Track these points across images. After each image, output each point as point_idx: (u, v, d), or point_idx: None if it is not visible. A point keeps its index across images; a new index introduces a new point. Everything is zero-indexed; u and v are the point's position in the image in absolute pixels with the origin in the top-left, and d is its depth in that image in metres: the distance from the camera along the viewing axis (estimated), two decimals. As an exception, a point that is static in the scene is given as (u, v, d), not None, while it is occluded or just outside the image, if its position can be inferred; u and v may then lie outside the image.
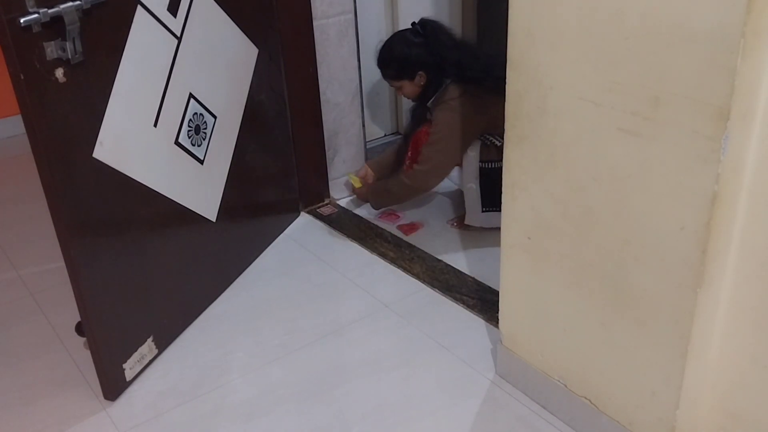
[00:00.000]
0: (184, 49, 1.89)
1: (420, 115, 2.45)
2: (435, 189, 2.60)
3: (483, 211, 2.38)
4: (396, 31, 2.55)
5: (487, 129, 2.31)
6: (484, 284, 2.22)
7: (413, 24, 2.40)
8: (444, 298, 2.17)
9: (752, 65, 1.11)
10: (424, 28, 2.37)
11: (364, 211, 2.69)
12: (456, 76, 2.33)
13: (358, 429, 1.72)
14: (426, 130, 2.38)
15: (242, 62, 2.20)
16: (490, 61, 2.28)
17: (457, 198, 2.46)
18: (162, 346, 1.99)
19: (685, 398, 1.39)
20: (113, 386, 1.83)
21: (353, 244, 2.49)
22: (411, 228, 2.57)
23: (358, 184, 2.56)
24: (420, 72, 2.36)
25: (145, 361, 1.93)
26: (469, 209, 2.43)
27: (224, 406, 1.80)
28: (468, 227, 2.52)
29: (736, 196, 1.23)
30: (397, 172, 2.52)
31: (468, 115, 2.28)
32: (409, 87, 2.42)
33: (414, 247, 2.45)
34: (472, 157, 2.33)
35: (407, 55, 2.37)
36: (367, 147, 2.85)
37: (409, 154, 2.45)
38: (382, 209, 2.62)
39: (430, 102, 2.39)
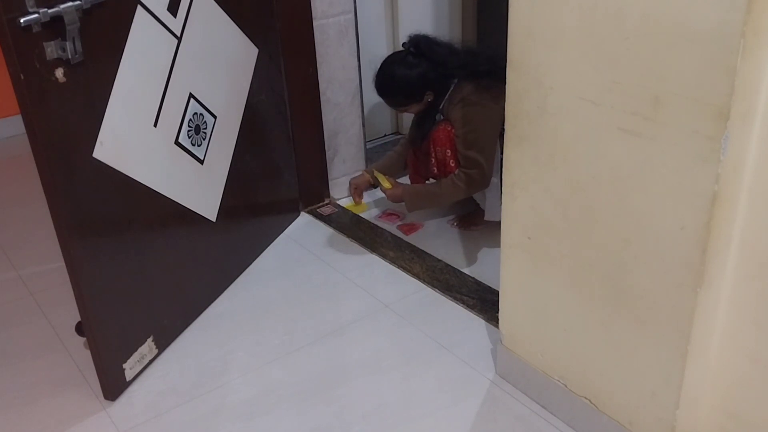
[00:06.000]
0: (184, 49, 1.89)
1: (429, 123, 2.39)
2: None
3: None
4: (389, 54, 2.46)
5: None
6: (484, 284, 2.22)
7: (404, 45, 2.35)
8: (444, 298, 2.17)
9: (752, 65, 1.11)
10: (418, 46, 2.31)
11: (366, 212, 2.69)
12: (464, 76, 2.30)
13: (358, 429, 1.72)
14: (445, 129, 2.30)
15: (242, 62, 2.20)
16: (491, 52, 2.27)
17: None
18: (162, 346, 1.99)
19: (685, 398, 1.39)
20: (113, 386, 1.83)
21: (353, 244, 2.49)
22: (411, 228, 2.57)
23: (387, 184, 2.45)
24: (427, 91, 2.32)
25: (145, 361, 1.93)
26: (489, 204, 2.38)
27: (224, 406, 1.80)
28: (471, 227, 2.52)
29: (736, 196, 1.23)
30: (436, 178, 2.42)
31: (489, 106, 2.23)
32: (417, 106, 2.38)
33: (414, 247, 2.45)
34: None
35: (411, 78, 2.30)
36: (367, 147, 2.84)
37: (433, 155, 2.35)
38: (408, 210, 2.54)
39: (441, 106, 2.35)
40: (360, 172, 2.69)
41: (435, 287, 2.22)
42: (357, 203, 2.66)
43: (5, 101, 3.20)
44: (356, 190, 2.61)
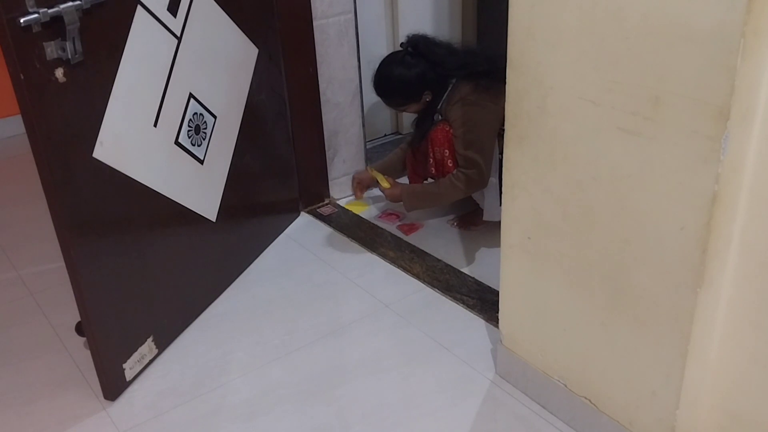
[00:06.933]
0: (184, 49, 1.89)
1: (428, 123, 2.38)
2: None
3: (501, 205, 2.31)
4: (387, 54, 2.46)
5: (503, 119, 2.26)
6: (484, 284, 2.22)
7: (403, 45, 2.35)
8: (444, 298, 2.17)
9: (752, 65, 1.11)
10: (416, 46, 2.32)
11: (366, 212, 2.69)
12: (463, 76, 2.29)
13: (358, 429, 1.72)
14: (443, 129, 2.29)
15: (242, 62, 2.20)
16: (490, 52, 2.27)
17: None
18: (162, 346, 1.99)
19: (685, 398, 1.39)
20: (113, 386, 1.83)
21: (353, 243, 2.49)
22: (411, 228, 2.57)
23: (386, 184, 2.47)
24: (426, 91, 2.33)
25: (145, 361, 1.93)
26: (487, 204, 2.38)
27: (224, 406, 1.80)
28: (471, 227, 2.52)
29: (736, 196, 1.23)
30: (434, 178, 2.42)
31: (488, 106, 2.23)
32: (416, 106, 2.39)
33: (414, 247, 2.45)
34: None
35: (409, 78, 2.31)
36: (367, 147, 2.84)
37: (431, 155, 2.35)
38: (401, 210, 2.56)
39: (439, 106, 2.35)
40: (364, 171, 2.69)
41: (435, 287, 2.22)
42: (358, 198, 2.65)
43: (5, 101, 3.20)
44: (359, 185, 2.61)
